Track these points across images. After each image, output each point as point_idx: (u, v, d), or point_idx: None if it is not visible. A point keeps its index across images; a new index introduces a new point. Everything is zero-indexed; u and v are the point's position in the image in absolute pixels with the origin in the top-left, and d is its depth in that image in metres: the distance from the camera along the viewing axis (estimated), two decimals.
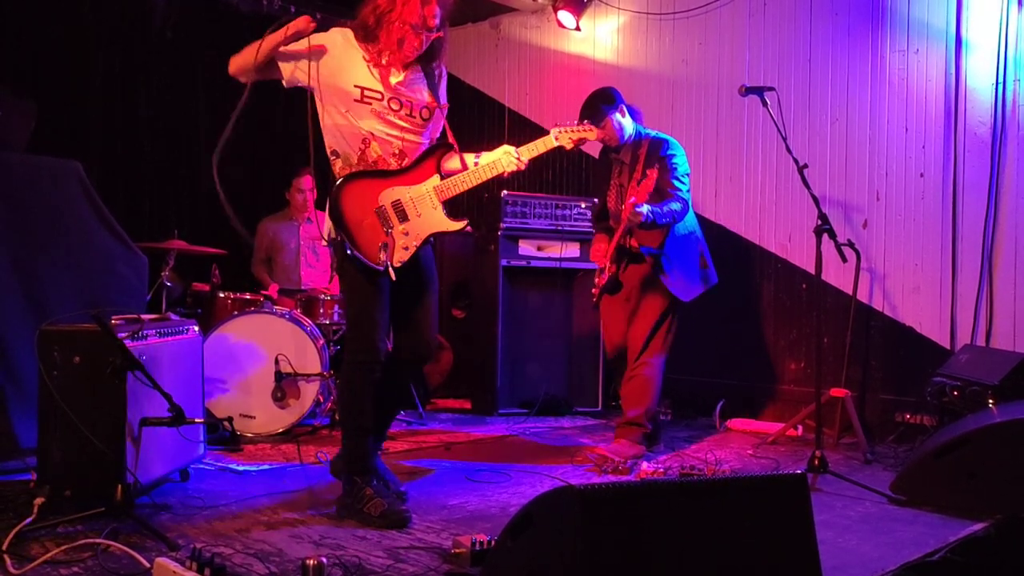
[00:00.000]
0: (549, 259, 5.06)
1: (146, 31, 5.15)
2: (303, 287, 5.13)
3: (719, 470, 3.62)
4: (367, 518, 2.77)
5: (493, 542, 2.32)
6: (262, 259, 5.31)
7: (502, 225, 4.98)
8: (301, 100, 6.38)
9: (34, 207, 3.49)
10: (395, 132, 2.93)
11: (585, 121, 3.09)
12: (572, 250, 5.10)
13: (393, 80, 2.91)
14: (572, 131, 3.00)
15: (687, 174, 3.89)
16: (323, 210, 5.32)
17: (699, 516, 1.86)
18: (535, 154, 2.97)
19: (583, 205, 5.15)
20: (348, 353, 2.93)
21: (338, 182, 2.87)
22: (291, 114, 5.86)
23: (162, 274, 4.31)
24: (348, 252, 2.82)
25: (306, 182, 5.25)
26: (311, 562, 2.09)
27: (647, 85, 5.37)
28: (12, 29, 4.58)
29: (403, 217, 2.87)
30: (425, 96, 2.98)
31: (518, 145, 2.99)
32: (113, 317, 2.92)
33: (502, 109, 6.19)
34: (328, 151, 2.98)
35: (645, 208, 3.56)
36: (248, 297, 4.54)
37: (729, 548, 1.86)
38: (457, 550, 2.41)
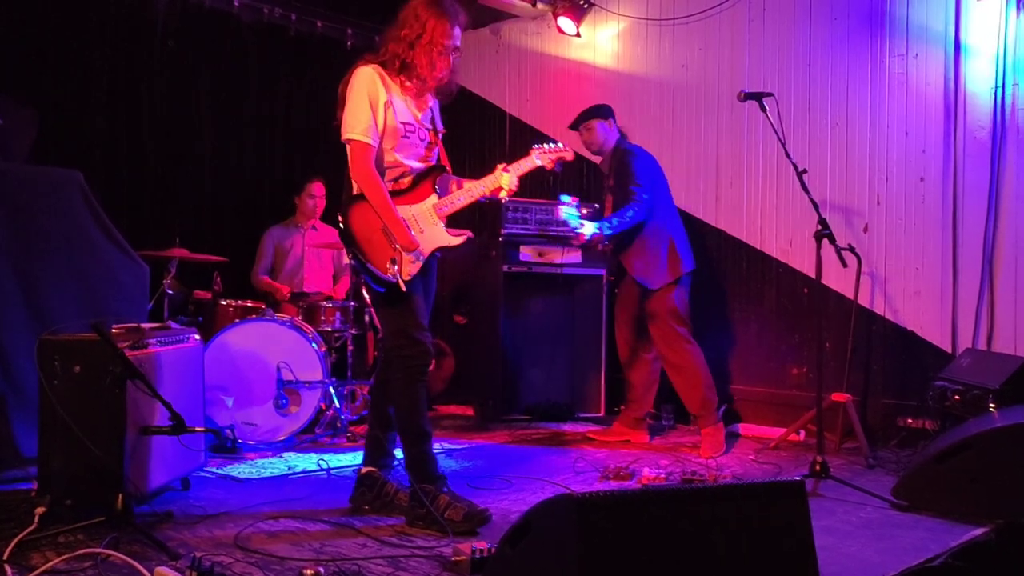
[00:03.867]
0: (550, 265, 5.06)
1: (148, 41, 5.17)
2: (307, 291, 5.15)
3: (720, 476, 3.61)
4: (449, 524, 2.75)
5: (493, 550, 2.32)
6: (265, 269, 5.31)
7: (503, 231, 4.99)
8: (301, 104, 6.38)
9: (36, 216, 3.50)
10: (420, 163, 3.05)
11: (565, 145, 3.27)
12: (573, 256, 5.10)
13: (421, 111, 3.04)
14: (551, 152, 3.18)
15: (641, 177, 4.30)
16: (330, 223, 5.38)
17: (697, 523, 1.85)
18: (521, 173, 3.12)
19: (584, 211, 5.14)
20: (399, 360, 2.94)
21: (345, 204, 2.96)
22: (290, 124, 5.90)
23: (164, 282, 4.33)
24: (362, 264, 2.89)
25: (317, 188, 5.31)
26: (309, 572, 2.09)
27: (647, 90, 5.37)
28: (14, 39, 4.59)
29: None
30: (437, 123, 3.12)
31: (515, 155, 3.18)
32: (114, 326, 2.93)
33: (503, 115, 6.20)
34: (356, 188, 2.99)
35: (588, 230, 4.16)
36: (250, 304, 4.54)
37: (728, 555, 1.86)
38: (457, 558, 2.41)
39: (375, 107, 2.90)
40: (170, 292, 4.37)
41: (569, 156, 3.22)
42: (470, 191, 3.06)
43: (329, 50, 5.99)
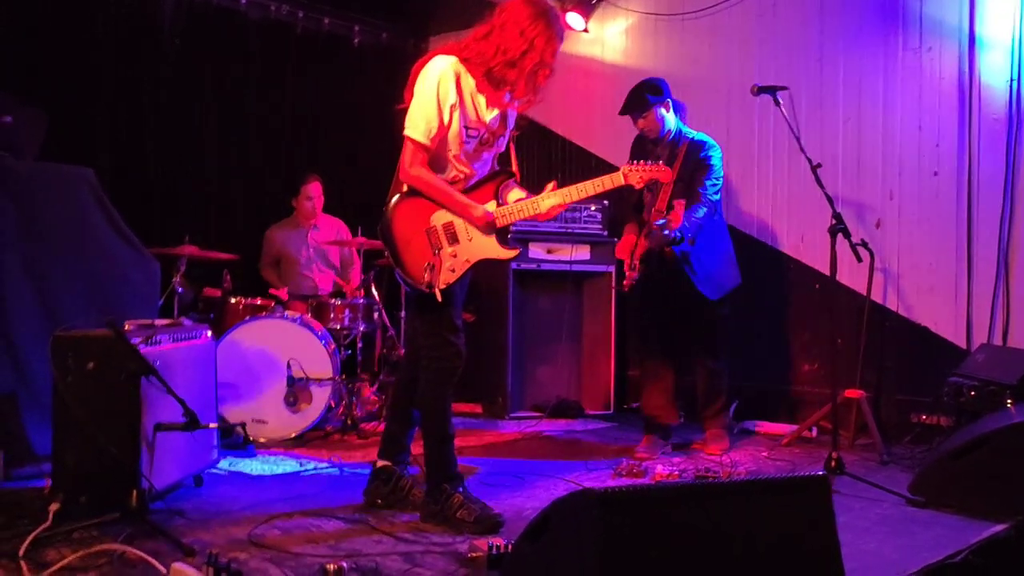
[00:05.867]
0: (559, 262, 5.04)
1: (155, 39, 5.16)
2: (317, 293, 5.12)
3: (734, 472, 3.59)
4: (460, 524, 2.73)
5: (509, 546, 2.30)
6: (270, 263, 5.30)
7: (511, 228, 4.95)
8: (307, 101, 6.34)
9: (46, 214, 3.49)
10: (478, 165, 2.92)
11: (660, 163, 3.00)
12: (582, 253, 5.08)
13: (491, 109, 2.86)
14: (644, 170, 2.92)
15: (720, 177, 3.97)
16: (332, 216, 5.35)
17: (719, 519, 1.84)
18: (602, 190, 2.89)
19: (592, 208, 5.13)
20: (429, 360, 2.87)
21: (393, 200, 2.83)
22: (297, 120, 5.89)
23: (174, 280, 4.32)
24: (396, 266, 2.81)
25: (314, 189, 5.21)
26: (331, 567, 2.08)
27: None
28: (21, 38, 4.59)
29: (453, 239, 2.84)
30: (509, 121, 2.96)
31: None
32: (126, 323, 2.92)
33: None
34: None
35: (668, 232, 3.61)
36: (259, 302, 4.53)
37: (749, 551, 1.84)
38: (474, 554, 2.40)
39: (443, 108, 2.74)
40: (180, 290, 4.36)
41: (665, 178, 2.97)
42: (535, 203, 2.87)
43: (336, 47, 5.98)
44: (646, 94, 3.92)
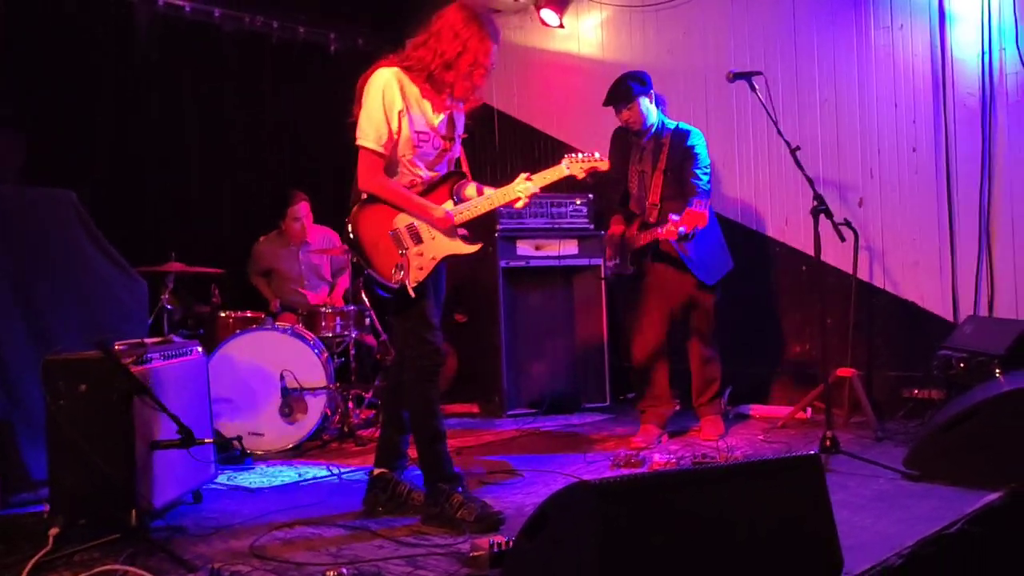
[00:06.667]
0: (548, 257, 5.05)
1: (133, 56, 5.14)
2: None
3: (731, 457, 3.62)
4: (460, 524, 2.75)
5: (511, 543, 2.31)
6: (259, 272, 5.26)
7: (498, 226, 4.98)
8: (288, 111, 6.29)
9: (31, 238, 3.48)
10: (429, 170, 2.99)
11: (597, 153, 3.12)
12: (570, 247, 5.10)
13: (437, 115, 2.96)
14: (584, 161, 3.05)
15: (708, 165, 3.99)
16: (322, 226, 5.32)
17: (715, 503, 1.86)
18: (546, 183, 3.03)
19: (578, 202, 5.14)
20: (412, 361, 2.94)
21: (354, 208, 2.91)
22: (279, 131, 5.88)
23: (162, 297, 4.31)
24: (365, 272, 2.89)
25: (301, 209, 5.11)
26: (331, 573, 2.09)
27: None
28: (1, 60, 4.57)
29: (417, 239, 2.92)
30: (457, 126, 3.05)
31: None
32: (116, 343, 2.92)
33: (490, 111, 6.18)
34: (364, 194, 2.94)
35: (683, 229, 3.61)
36: (249, 315, 4.53)
37: (747, 533, 1.86)
38: (475, 553, 2.41)
39: (390, 115, 2.85)
40: (169, 307, 4.35)
41: (604, 167, 3.09)
42: (489, 199, 2.99)
43: (312, 55, 5.98)
44: (631, 84, 3.96)
